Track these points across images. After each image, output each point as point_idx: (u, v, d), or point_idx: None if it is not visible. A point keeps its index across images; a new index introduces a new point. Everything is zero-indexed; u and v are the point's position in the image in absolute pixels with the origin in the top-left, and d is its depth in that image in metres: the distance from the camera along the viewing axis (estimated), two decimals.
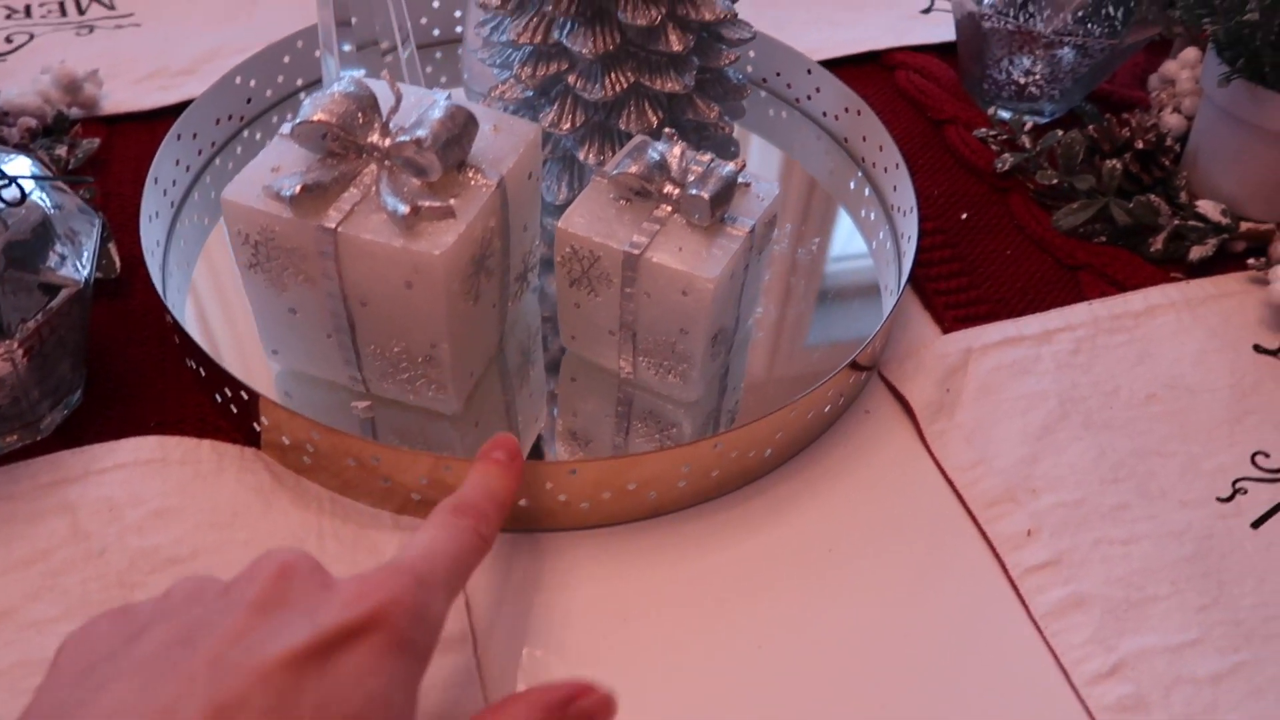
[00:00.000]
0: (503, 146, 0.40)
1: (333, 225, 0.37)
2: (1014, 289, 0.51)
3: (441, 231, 0.37)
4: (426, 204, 0.37)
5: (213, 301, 0.49)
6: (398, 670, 0.27)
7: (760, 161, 0.60)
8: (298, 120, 0.37)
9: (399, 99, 0.39)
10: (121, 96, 0.59)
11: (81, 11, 0.66)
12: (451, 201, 0.38)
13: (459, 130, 0.38)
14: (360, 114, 0.38)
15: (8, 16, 0.65)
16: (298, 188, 0.36)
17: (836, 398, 0.44)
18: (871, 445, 0.45)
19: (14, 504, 0.39)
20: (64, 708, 0.25)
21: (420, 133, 0.37)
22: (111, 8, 0.67)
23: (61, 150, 0.52)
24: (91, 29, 0.65)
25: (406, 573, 0.28)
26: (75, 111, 0.57)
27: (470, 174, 0.39)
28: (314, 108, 0.37)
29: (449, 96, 0.41)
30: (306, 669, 0.25)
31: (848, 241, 0.55)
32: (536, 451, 0.44)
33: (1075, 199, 0.55)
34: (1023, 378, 0.46)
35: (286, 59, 0.59)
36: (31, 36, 0.64)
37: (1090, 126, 0.57)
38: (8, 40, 0.63)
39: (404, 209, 0.36)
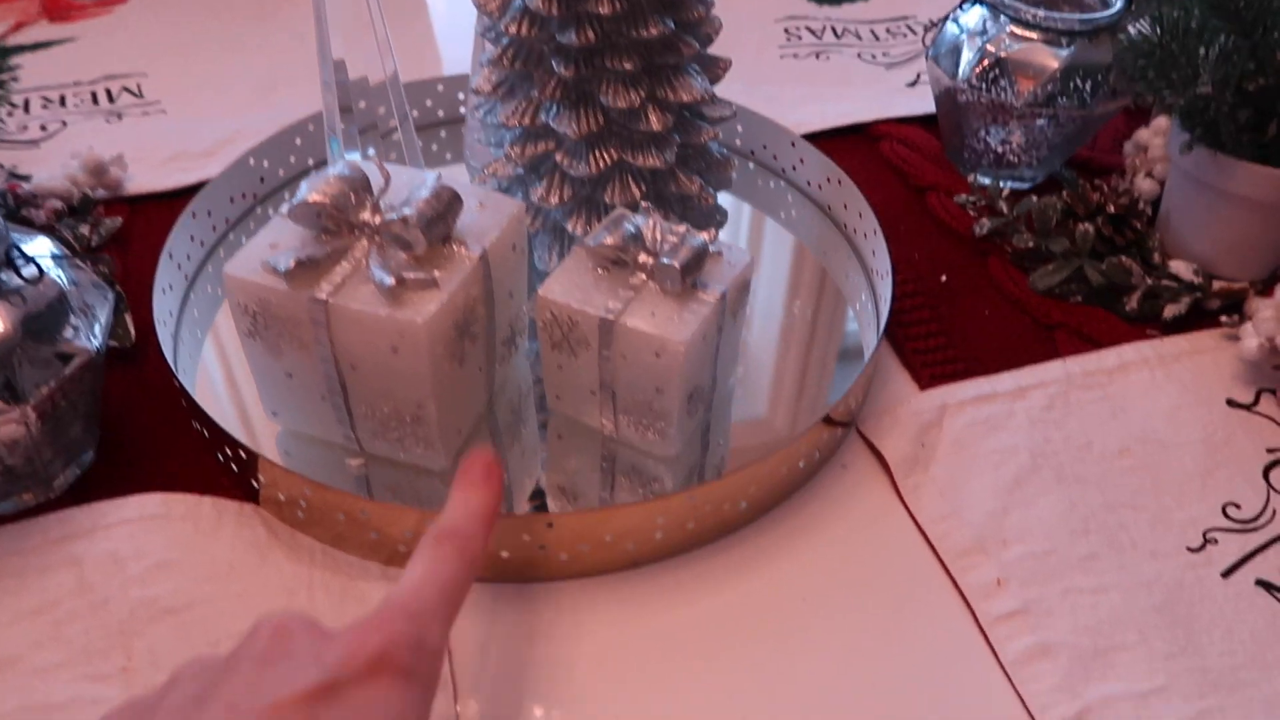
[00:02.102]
0: (487, 222, 0.43)
1: (324, 296, 0.39)
2: (990, 348, 0.53)
3: (425, 301, 0.39)
4: (411, 275, 0.39)
5: (223, 366, 0.52)
6: (408, 699, 0.28)
7: (750, 228, 0.63)
8: (295, 201, 0.40)
9: (388, 180, 0.42)
10: (144, 179, 0.63)
11: (112, 100, 0.71)
12: (436, 273, 0.40)
13: (444, 208, 0.41)
14: (353, 194, 0.41)
15: (44, 106, 0.70)
16: (292, 262, 0.39)
17: (811, 452, 0.46)
18: (848, 498, 0.46)
19: (25, 558, 0.41)
20: None
21: (407, 211, 0.40)
22: (140, 96, 0.72)
23: (85, 229, 0.56)
24: (120, 116, 0.69)
25: (398, 611, 0.30)
26: (100, 193, 0.61)
27: (455, 247, 0.42)
28: (310, 189, 0.40)
29: (439, 176, 0.44)
30: (318, 705, 0.27)
31: (832, 304, 0.57)
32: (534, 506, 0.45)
33: (1051, 261, 0.57)
34: (996, 433, 0.48)
35: (298, 141, 0.62)
36: (64, 124, 0.68)
37: (1064, 192, 0.59)
38: (42, 128, 0.68)
39: (390, 281, 0.39)
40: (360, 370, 0.41)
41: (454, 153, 0.67)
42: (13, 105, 0.69)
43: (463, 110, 0.69)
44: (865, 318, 0.55)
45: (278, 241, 0.42)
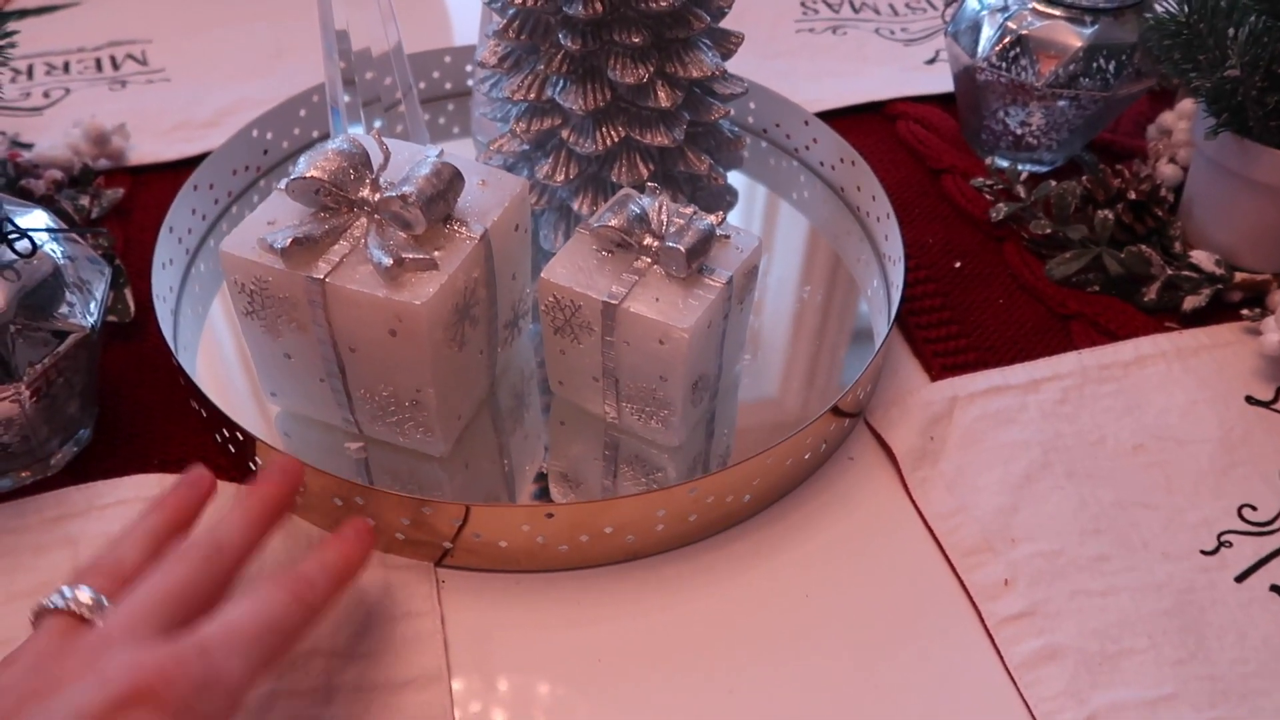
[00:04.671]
0: (489, 200, 0.42)
1: (321, 276, 0.39)
2: (1004, 338, 0.52)
3: (425, 282, 0.38)
4: (410, 256, 0.38)
5: (223, 344, 0.51)
6: None
7: (761, 209, 0.61)
8: (293, 176, 0.39)
9: (387, 156, 0.41)
10: (147, 148, 0.62)
11: (116, 67, 0.70)
12: (435, 254, 0.39)
13: (444, 186, 0.40)
14: (352, 170, 0.40)
15: (47, 73, 0.69)
16: (289, 240, 0.38)
17: (818, 444, 0.45)
18: (854, 492, 0.45)
19: (21, 536, 0.41)
20: None
21: (406, 189, 0.39)
22: (144, 64, 0.70)
23: (85, 200, 0.55)
24: (124, 84, 0.68)
25: (191, 645, 0.29)
26: (103, 163, 0.60)
27: (455, 227, 0.41)
28: (308, 164, 0.39)
29: (441, 152, 0.43)
30: None
31: (844, 289, 0.55)
32: (537, 494, 0.45)
33: (1069, 248, 0.55)
34: (1007, 426, 0.47)
35: (302, 112, 0.61)
36: (68, 91, 0.67)
37: (1084, 177, 0.57)
38: (45, 95, 0.67)
39: (388, 261, 0.38)
40: (359, 352, 0.41)
41: (461, 126, 0.66)
42: (16, 71, 0.68)
43: (470, 83, 0.67)
44: (876, 304, 0.54)
45: (275, 218, 0.41)
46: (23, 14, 0.74)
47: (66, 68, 0.69)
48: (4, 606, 0.39)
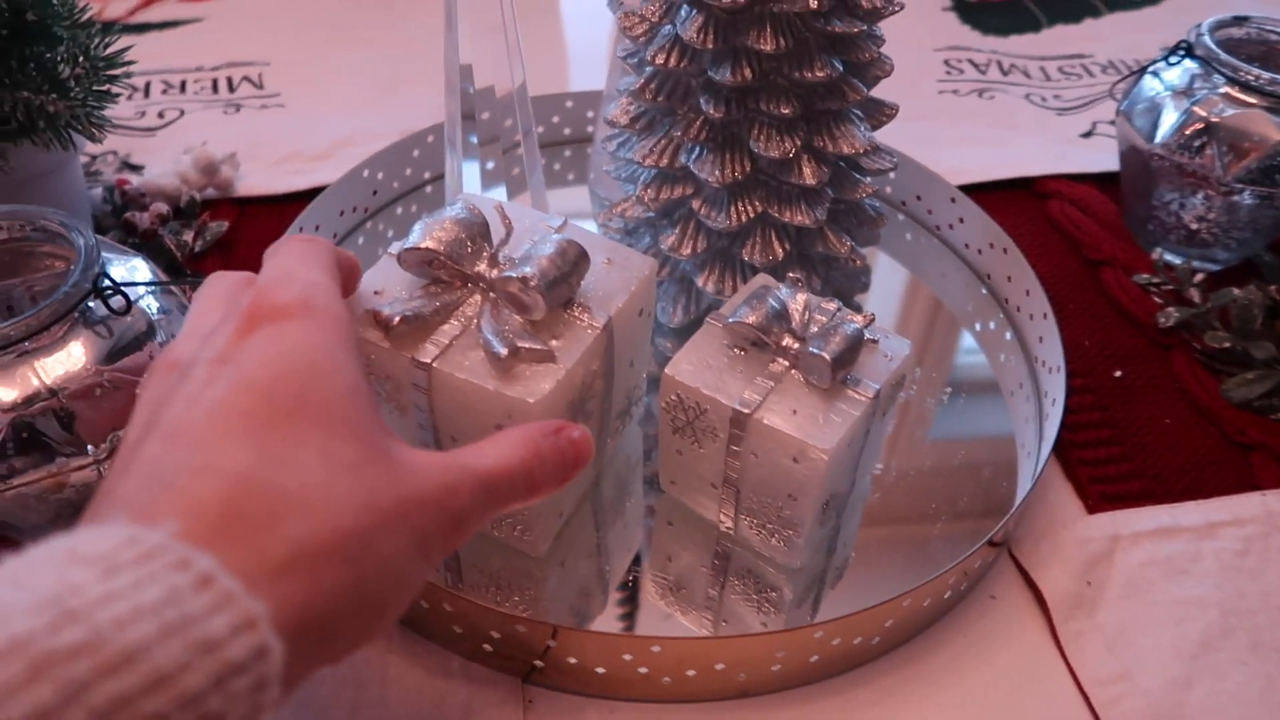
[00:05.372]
0: (614, 283, 0.38)
1: (428, 360, 0.35)
2: (1172, 466, 0.46)
3: (540, 377, 0.34)
4: (527, 346, 0.34)
5: None
6: (316, 334, 0.26)
7: (894, 290, 0.56)
8: (406, 245, 0.36)
9: (510, 230, 0.37)
10: (255, 179, 0.60)
11: (232, 89, 0.68)
12: (554, 343, 0.35)
13: (568, 268, 0.36)
14: (470, 243, 0.36)
15: (164, 91, 0.68)
16: (397, 319, 0.35)
17: (959, 582, 0.40)
18: (994, 638, 0.40)
19: None
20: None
21: (528, 270, 0.35)
22: (260, 87, 0.69)
23: (188, 236, 0.53)
24: (239, 108, 0.67)
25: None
26: (209, 192, 0.58)
27: (577, 312, 0.37)
28: (424, 234, 0.36)
29: (564, 223, 0.39)
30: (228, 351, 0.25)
31: (982, 389, 0.50)
32: (627, 602, 0.40)
33: (1251, 367, 0.49)
34: (1179, 578, 0.41)
35: (415, 153, 0.58)
36: (182, 113, 0.66)
37: (1273, 286, 0.51)
38: (160, 115, 0.65)
39: (503, 351, 0.34)
40: (460, 443, 0.37)
41: (577, 174, 0.63)
42: (133, 88, 0.67)
43: (590, 129, 0.64)
44: (1021, 413, 0.48)
45: (383, 287, 0.37)
46: (144, 28, 0.74)
47: (183, 87, 0.68)
48: None
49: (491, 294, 0.36)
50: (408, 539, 0.24)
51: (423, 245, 0.36)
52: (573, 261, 0.36)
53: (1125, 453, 0.46)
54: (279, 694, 0.20)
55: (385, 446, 0.25)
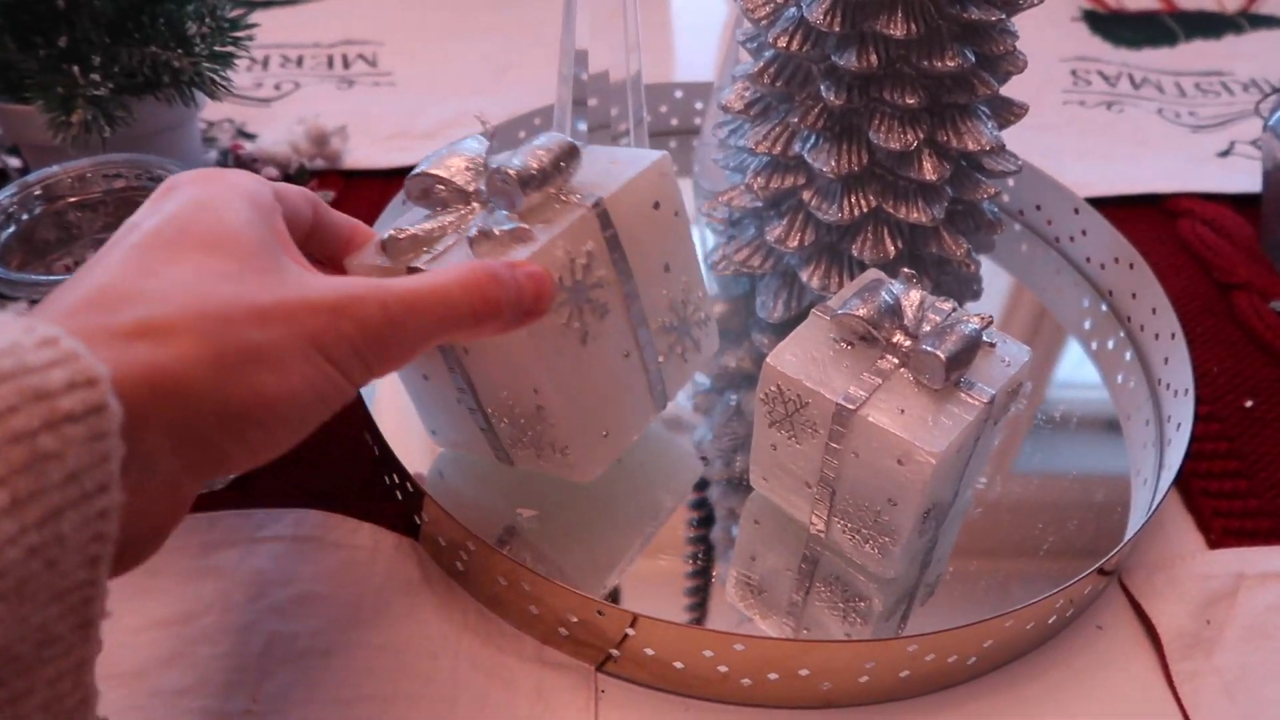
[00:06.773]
0: (615, 173, 0.36)
1: (422, 265, 0.34)
2: None
3: (516, 253, 0.33)
4: (499, 229, 0.33)
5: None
6: (205, 186, 0.28)
7: (1004, 302, 0.54)
8: (412, 174, 0.36)
9: (492, 142, 0.37)
10: (363, 153, 0.60)
11: (346, 66, 0.69)
12: (538, 226, 0.34)
13: (549, 162, 0.34)
14: (471, 170, 0.35)
15: (281, 65, 0.69)
16: (392, 232, 0.34)
17: (1065, 608, 0.37)
18: (1100, 671, 0.37)
19: (170, 558, 0.38)
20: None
21: (514, 162, 0.34)
22: (374, 65, 0.70)
23: None
24: (351, 84, 0.68)
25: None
26: (318, 163, 0.59)
27: (568, 197, 0.35)
28: (429, 163, 0.36)
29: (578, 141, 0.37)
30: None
31: (1097, 410, 0.47)
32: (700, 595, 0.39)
33: None
34: None
35: (521, 134, 0.58)
36: (297, 86, 0.67)
37: None
38: (276, 88, 0.67)
39: (473, 233, 0.33)
40: (473, 352, 0.36)
41: (682, 166, 0.61)
42: (253, 60, 0.68)
43: (697, 121, 0.63)
44: (1138, 438, 0.45)
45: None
46: (269, 4, 0.76)
47: (300, 62, 0.69)
48: (140, 635, 0.36)
49: (488, 203, 0.35)
50: (294, 336, 0.25)
51: (429, 171, 0.35)
52: (556, 154, 0.34)
53: (1253, 488, 0.43)
54: (122, 447, 0.21)
55: (278, 266, 0.27)
